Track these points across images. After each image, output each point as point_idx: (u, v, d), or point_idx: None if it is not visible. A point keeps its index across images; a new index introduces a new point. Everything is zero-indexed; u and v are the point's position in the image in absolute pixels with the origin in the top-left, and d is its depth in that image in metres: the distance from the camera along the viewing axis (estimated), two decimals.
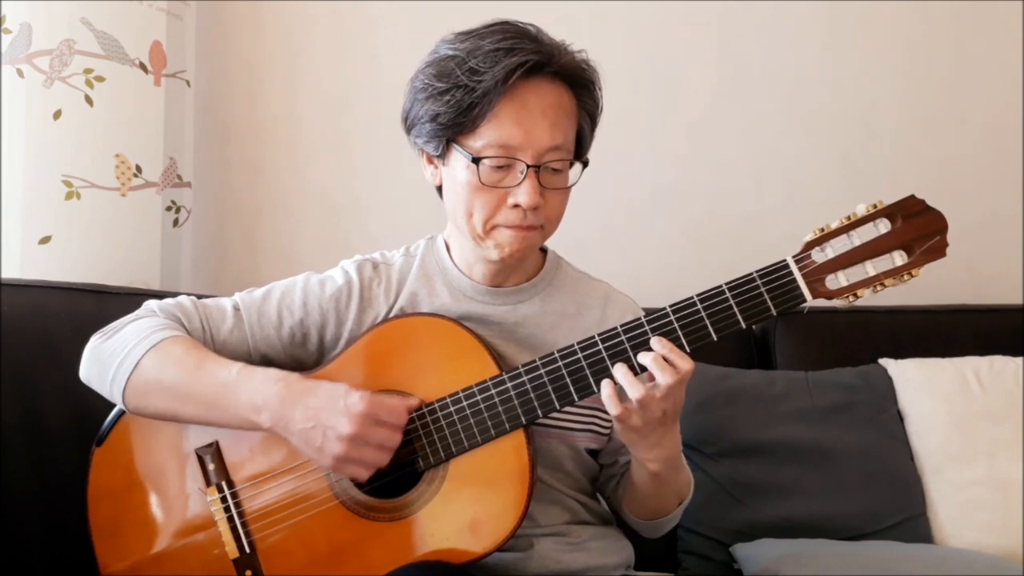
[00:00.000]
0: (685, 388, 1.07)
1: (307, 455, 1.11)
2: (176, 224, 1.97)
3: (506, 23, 1.13)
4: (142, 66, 1.85)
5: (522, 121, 1.10)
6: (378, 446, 1.08)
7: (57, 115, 1.75)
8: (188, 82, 1.98)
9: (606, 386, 1.06)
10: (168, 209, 1.94)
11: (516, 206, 1.12)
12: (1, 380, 1.50)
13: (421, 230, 1.32)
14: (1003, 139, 2.17)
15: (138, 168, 1.85)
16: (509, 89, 1.08)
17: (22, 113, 1.74)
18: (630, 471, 1.22)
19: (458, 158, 1.13)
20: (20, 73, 1.73)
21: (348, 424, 1.06)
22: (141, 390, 1.13)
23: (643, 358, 1.05)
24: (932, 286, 1.98)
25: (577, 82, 1.15)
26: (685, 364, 1.04)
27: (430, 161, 1.20)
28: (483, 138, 1.10)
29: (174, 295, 1.26)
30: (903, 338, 1.91)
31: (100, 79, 1.78)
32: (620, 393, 1.06)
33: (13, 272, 1.73)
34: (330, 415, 1.07)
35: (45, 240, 1.75)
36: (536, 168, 1.11)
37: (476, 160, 1.10)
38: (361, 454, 1.08)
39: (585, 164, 1.18)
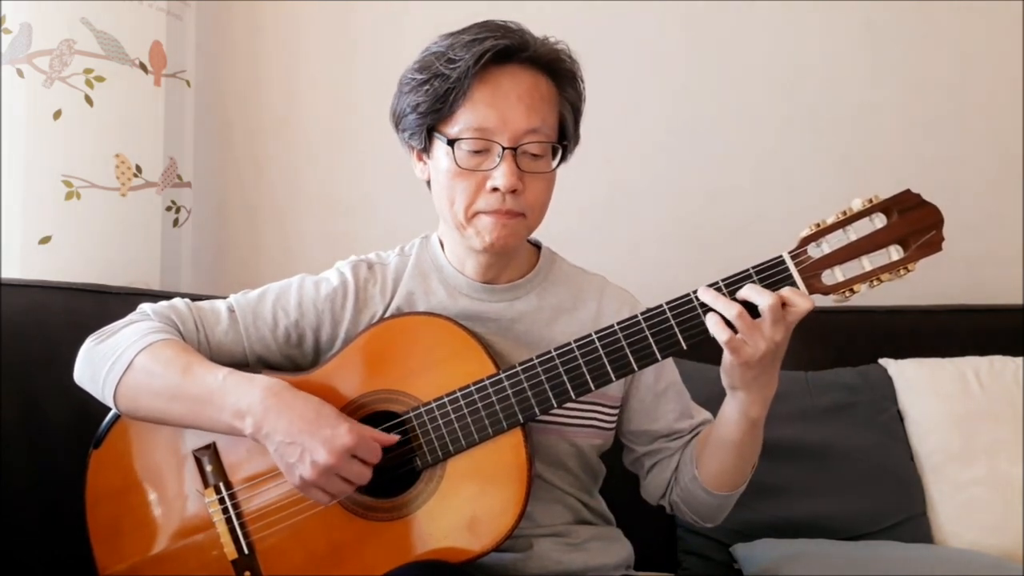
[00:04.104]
0: (791, 329, 1.06)
1: (278, 466, 1.11)
2: (176, 224, 1.97)
3: (490, 21, 1.16)
4: (142, 66, 1.85)
5: (496, 104, 1.11)
6: (347, 480, 1.09)
7: (57, 115, 1.76)
8: (188, 82, 1.98)
9: (710, 316, 1.06)
10: (168, 209, 1.94)
11: (495, 190, 1.12)
12: (1, 380, 1.50)
13: (421, 230, 1.32)
14: (1003, 139, 2.16)
15: (138, 168, 1.85)
16: (482, 73, 1.11)
17: (22, 113, 1.74)
18: (710, 442, 1.20)
19: (438, 146, 1.15)
20: (20, 73, 1.74)
21: (327, 455, 1.06)
22: (131, 392, 1.13)
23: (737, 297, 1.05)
24: (932, 286, 1.98)
25: (556, 71, 1.16)
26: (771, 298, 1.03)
27: (419, 157, 1.21)
28: (460, 123, 1.12)
29: (174, 295, 1.27)
30: (903, 338, 1.90)
31: (100, 79, 1.78)
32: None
33: (13, 272, 1.73)
34: (312, 439, 1.07)
35: (45, 240, 1.75)
36: (513, 151, 1.12)
37: (452, 143, 1.12)
38: (329, 484, 1.08)
39: (564, 149, 1.18)
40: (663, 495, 1.29)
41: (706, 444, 1.21)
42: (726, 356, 1.07)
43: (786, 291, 1.04)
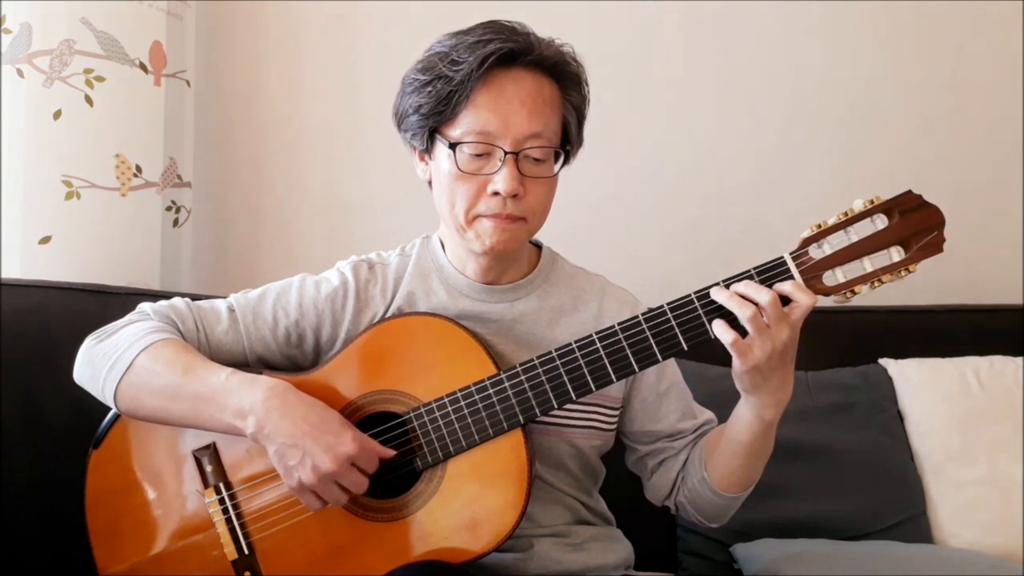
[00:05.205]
0: (797, 328, 1.05)
1: (275, 466, 1.10)
2: (176, 224, 1.97)
3: (495, 21, 1.15)
4: (142, 66, 1.85)
5: (499, 108, 1.11)
6: (344, 488, 1.09)
7: (57, 115, 1.75)
8: (188, 82, 1.98)
9: (717, 321, 1.05)
10: (168, 209, 1.94)
11: (495, 194, 1.12)
12: (1, 380, 1.50)
13: (422, 230, 1.32)
14: (1003, 139, 2.17)
15: (138, 168, 1.85)
16: (486, 77, 1.10)
17: (22, 113, 1.74)
18: (721, 444, 1.19)
19: (440, 148, 1.15)
20: (20, 73, 1.74)
21: (330, 461, 1.06)
22: (132, 392, 1.13)
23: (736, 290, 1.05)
24: (932, 286, 1.98)
25: (561, 74, 1.15)
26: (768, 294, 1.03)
27: (421, 158, 1.21)
28: (462, 126, 1.12)
29: (174, 295, 1.27)
30: (903, 338, 1.91)
31: (100, 79, 1.78)
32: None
33: (13, 272, 1.73)
34: (315, 443, 1.07)
35: (45, 240, 1.75)
36: (515, 155, 1.11)
37: (453, 146, 1.12)
38: (327, 490, 1.08)
39: (567, 155, 1.18)
40: (668, 496, 1.29)
41: (716, 446, 1.20)
42: (734, 361, 1.06)
43: (788, 285, 1.04)
